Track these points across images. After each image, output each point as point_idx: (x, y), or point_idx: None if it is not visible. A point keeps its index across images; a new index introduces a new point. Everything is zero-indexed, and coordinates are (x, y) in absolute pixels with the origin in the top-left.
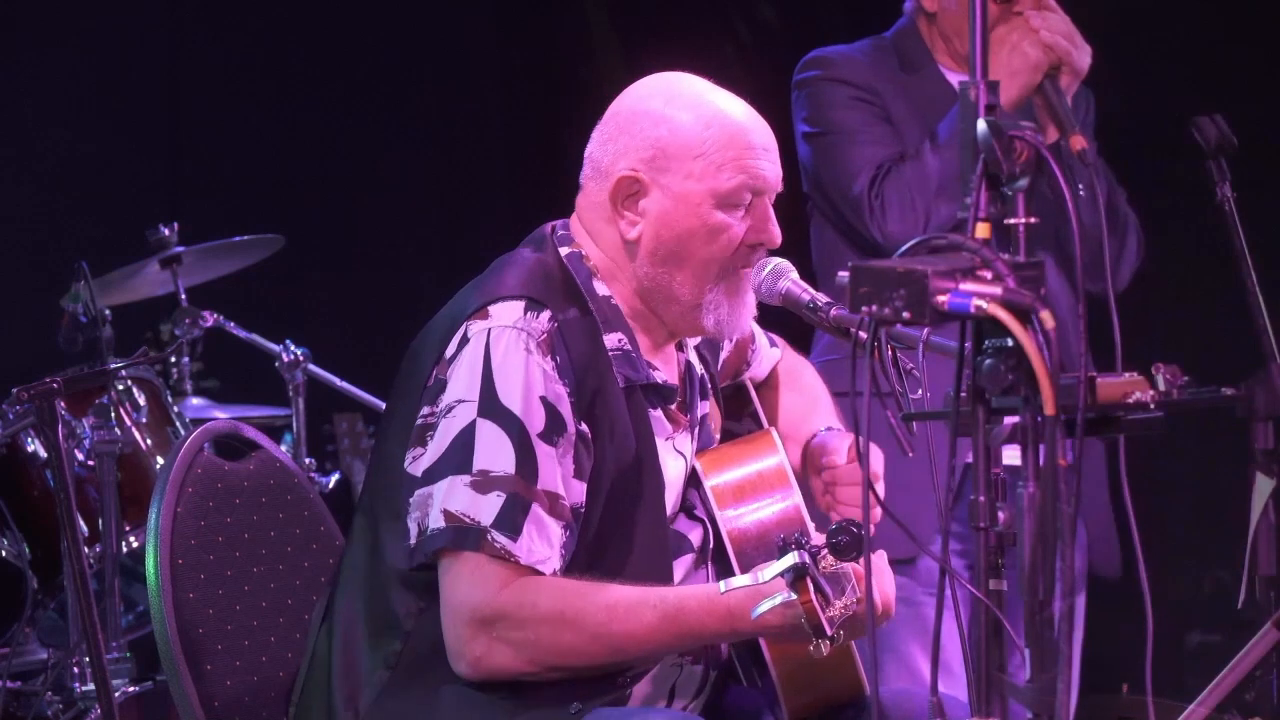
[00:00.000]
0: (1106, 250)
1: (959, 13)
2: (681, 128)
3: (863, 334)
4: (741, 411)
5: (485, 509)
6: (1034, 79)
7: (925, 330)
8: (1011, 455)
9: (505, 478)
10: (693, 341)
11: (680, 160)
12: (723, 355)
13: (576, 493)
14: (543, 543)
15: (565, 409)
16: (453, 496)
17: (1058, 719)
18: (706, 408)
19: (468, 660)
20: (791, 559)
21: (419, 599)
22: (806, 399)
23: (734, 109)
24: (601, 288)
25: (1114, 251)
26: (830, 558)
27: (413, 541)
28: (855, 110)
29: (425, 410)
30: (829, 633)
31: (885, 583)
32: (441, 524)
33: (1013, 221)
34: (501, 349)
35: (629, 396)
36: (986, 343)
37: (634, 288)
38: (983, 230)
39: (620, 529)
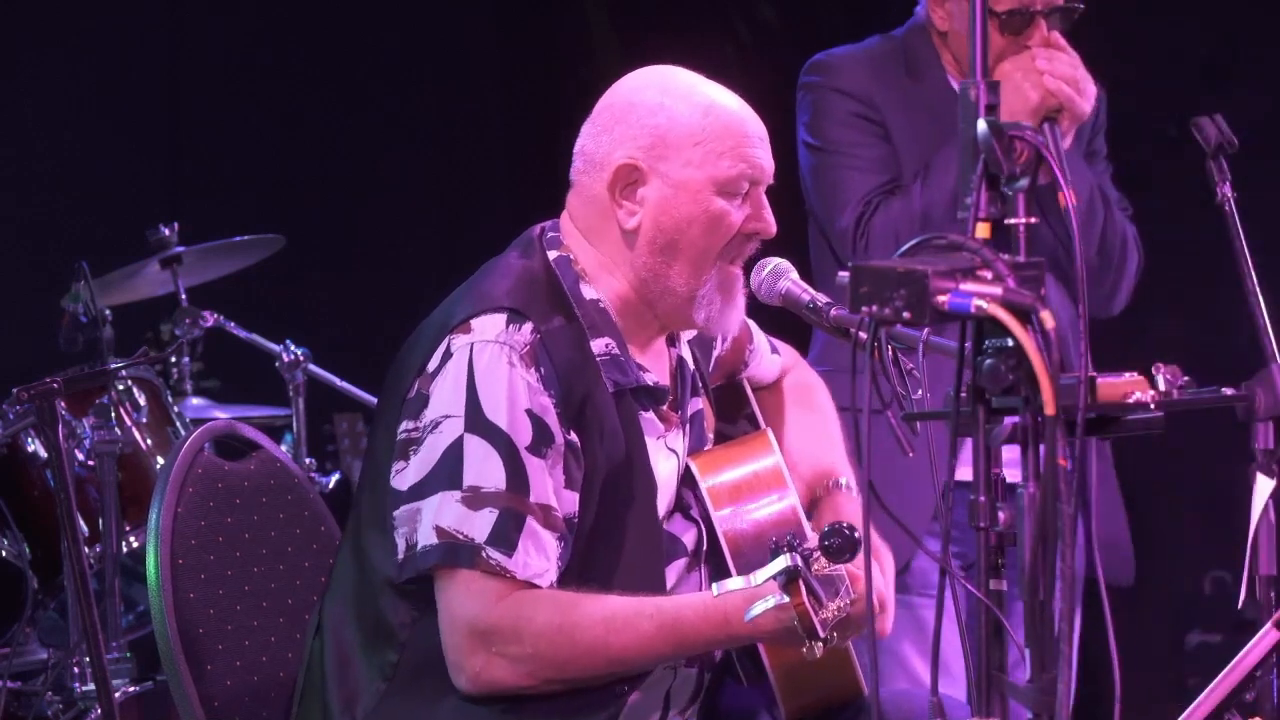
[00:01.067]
0: (1084, 300)
1: (970, 14)
2: (680, 116)
3: (863, 334)
4: (737, 413)
5: (478, 525)
6: (1032, 122)
7: (925, 330)
8: (1011, 474)
9: (496, 493)
10: (686, 336)
11: (680, 148)
12: (716, 353)
13: (568, 503)
14: (539, 556)
15: (552, 420)
16: (444, 512)
17: (1058, 719)
18: (699, 404)
19: (468, 675)
20: (783, 562)
21: (413, 608)
22: (817, 421)
23: (728, 100)
24: (589, 291)
25: (1111, 281)
26: (823, 559)
27: (401, 557)
28: (852, 129)
29: (407, 424)
30: (822, 635)
31: (883, 585)
32: (433, 540)
33: (1013, 221)
34: (484, 364)
35: (619, 401)
36: (986, 343)
37: (630, 281)
38: (983, 230)
39: (612, 533)
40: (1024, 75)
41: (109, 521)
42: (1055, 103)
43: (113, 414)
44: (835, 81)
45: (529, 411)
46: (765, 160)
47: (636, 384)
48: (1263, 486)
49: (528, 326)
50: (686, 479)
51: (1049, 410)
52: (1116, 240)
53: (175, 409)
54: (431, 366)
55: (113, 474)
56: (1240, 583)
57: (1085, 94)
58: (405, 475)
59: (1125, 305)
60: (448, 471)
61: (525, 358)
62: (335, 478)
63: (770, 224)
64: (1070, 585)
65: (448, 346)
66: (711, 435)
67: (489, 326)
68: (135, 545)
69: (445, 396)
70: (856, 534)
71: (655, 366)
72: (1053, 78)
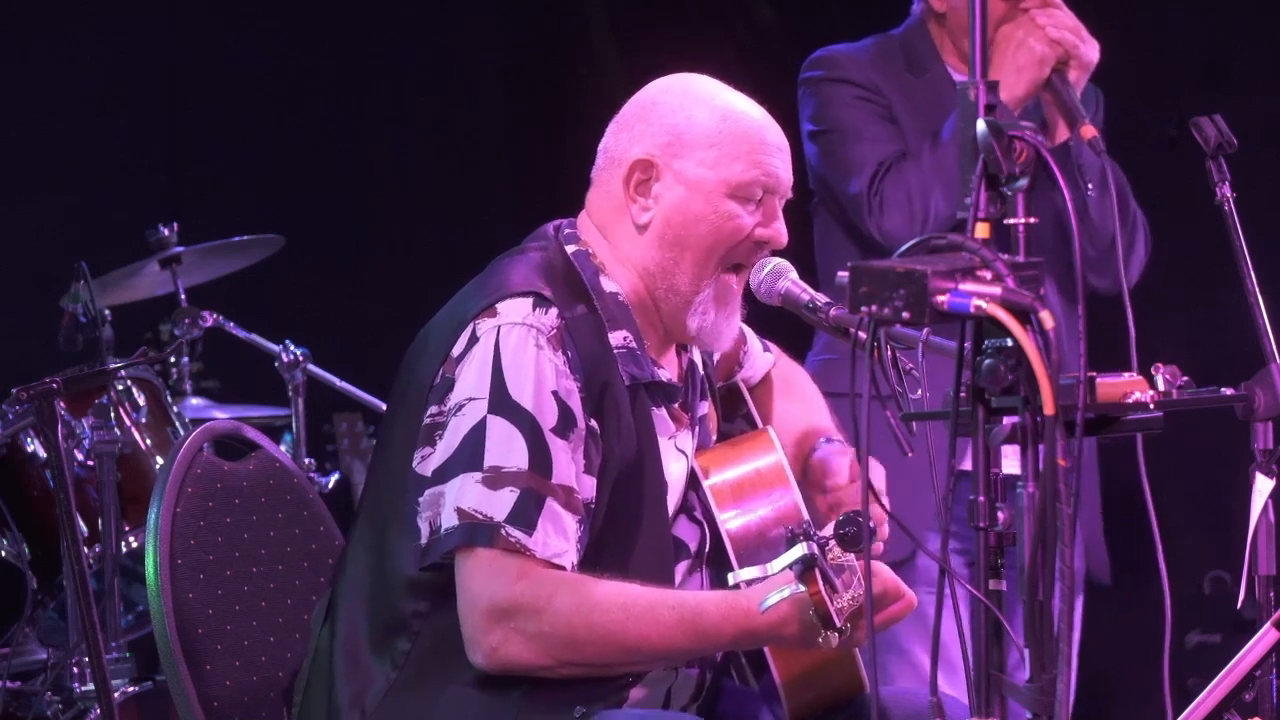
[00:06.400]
0: (1120, 241)
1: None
2: (699, 117)
3: (862, 334)
4: (735, 413)
5: (498, 505)
6: (1041, 74)
7: (925, 330)
8: (1010, 465)
9: (518, 473)
10: None
11: (696, 148)
12: (716, 355)
13: (587, 488)
14: (559, 537)
15: (576, 404)
16: (465, 494)
17: (1057, 719)
18: (706, 407)
19: (484, 651)
20: (800, 550)
21: (427, 600)
22: (803, 405)
23: (750, 108)
24: (608, 284)
25: (1125, 246)
26: (837, 549)
27: (425, 541)
28: (858, 109)
29: (433, 409)
30: (838, 624)
31: (890, 574)
32: (455, 522)
33: (1013, 221)
34: (511, 345)
35: (633, 395)
36: (986, 343)
37: (641, 277)
38: (983, 230)
39: (622, 529)
40: (1027, 32)
41: (108, 521)
42: (1061, 51)
43: (112, 414)
44: (838, 73)
45: (555, 393)
46: (782, 171)
47: (652, 379)
48: (1262, 486)
49: (554, 311)
50: (690, 479)
51: (1048, 410)
52: (1130, 209)
53: (175, 409)
54: (457, 352)
55: (112, 474)
56: (1240, 583)
57: (1089, 42)
58: (430, 460)
59: (1134, 284)
60: (469, 454)
61: (552, 341)
62: (335, 478)
63: (781, 233)
64: (1070, 585)
65: (473, 331)
66: (715, 437)
67: (516, 309)
68: (135, 545)
69: (470, 379)
70: (871, 522)
71: (668, 366)
72: (1056, 29)
